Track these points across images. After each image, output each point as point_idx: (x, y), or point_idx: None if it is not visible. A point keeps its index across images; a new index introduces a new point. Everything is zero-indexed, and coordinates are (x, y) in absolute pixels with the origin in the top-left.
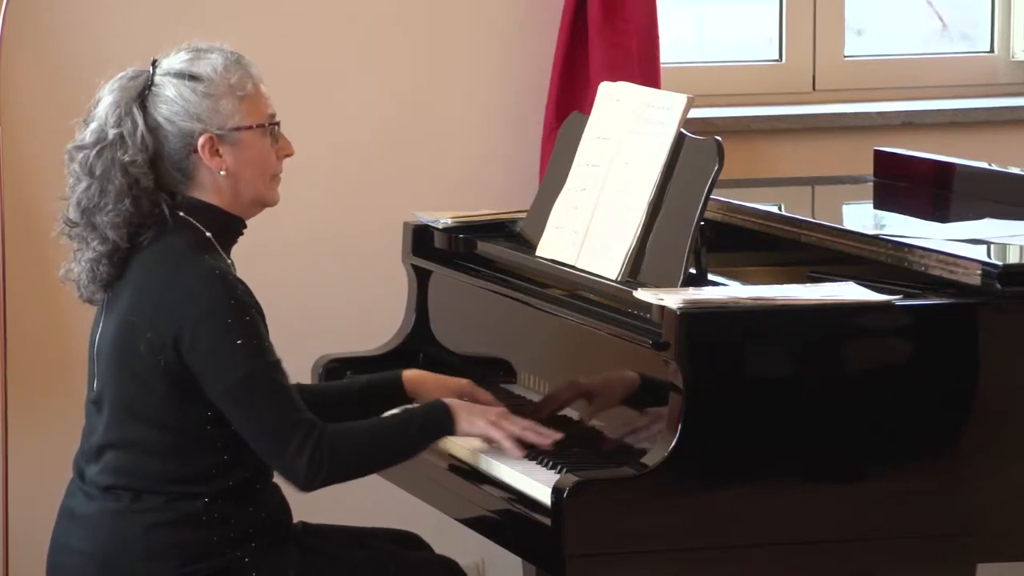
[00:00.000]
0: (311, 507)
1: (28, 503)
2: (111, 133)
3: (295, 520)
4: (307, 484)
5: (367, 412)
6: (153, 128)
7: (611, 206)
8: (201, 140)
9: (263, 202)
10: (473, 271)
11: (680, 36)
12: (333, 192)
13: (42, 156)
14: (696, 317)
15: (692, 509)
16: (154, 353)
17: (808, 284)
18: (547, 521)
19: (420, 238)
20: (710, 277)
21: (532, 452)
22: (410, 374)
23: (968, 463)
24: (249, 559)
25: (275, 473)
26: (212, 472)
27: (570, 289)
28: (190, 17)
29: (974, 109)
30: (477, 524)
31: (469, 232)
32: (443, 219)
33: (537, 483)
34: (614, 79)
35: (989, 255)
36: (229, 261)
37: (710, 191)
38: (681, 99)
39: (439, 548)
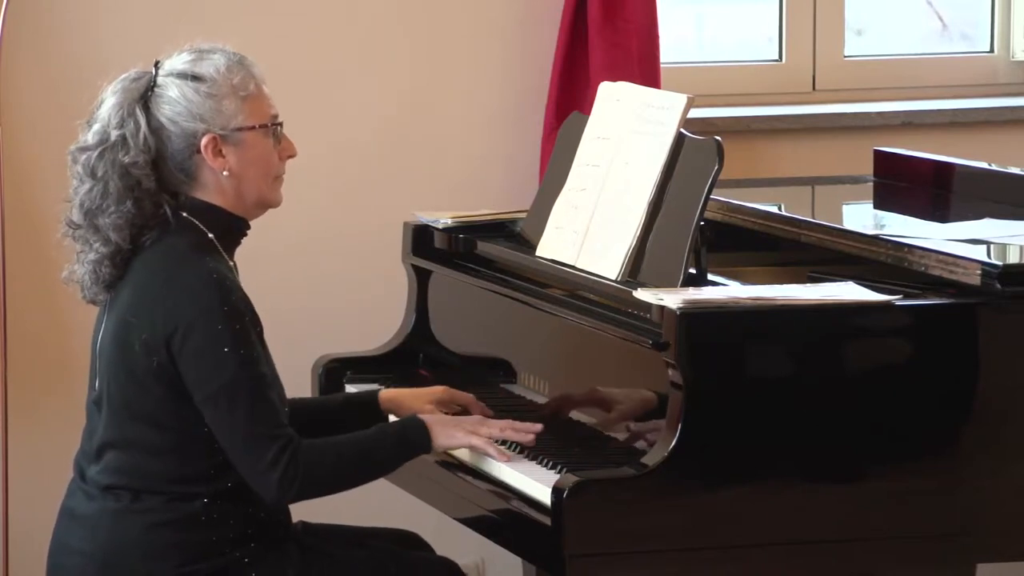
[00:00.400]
0: (311, 507)
1: (28, 503)
2: (113, 135)
3: (295, 520)
4: (278, 498)
5: (343, 428)
6: (156, 129)
7: (611, 206)
8: (204, 140)
9: (266, 203)
10: (473, 271)
11: (680, 36)
12: (333, 192)
13: (42, 156)
14: (696, 317)
15: (692, 509)
16: (149, 353)
17: (808, 284)
18: (547, 521)
19: (420, 238)
20: (710, 277)
21: (532, 452)
22: (386, 394)
23: (968, 463)
24: (248, 559)
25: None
26: (211, 473)
27: (570, 289)
28: (190, 17)
29: (974, 109)
30: (477, 524)
31: (469, 232)
32: (443, 219)
33: (537, 483)
34: (614, 79)
35: (989, 255)
36: (232, 263)
37: (710, 191)
38: (681, 99)
39: (439, 548)
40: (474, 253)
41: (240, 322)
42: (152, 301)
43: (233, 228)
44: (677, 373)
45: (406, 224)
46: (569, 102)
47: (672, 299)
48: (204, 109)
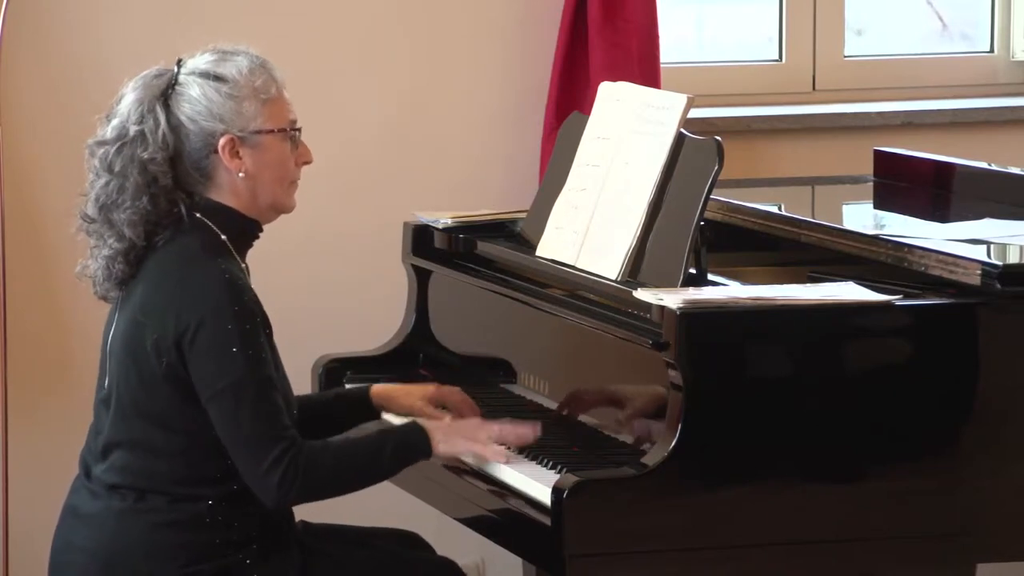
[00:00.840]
0: (313, 506)
1: (28, 503)
2: (132, 130)
3: (297, 519)
4: (277, 501)
5: (334, 423)
6: (175, 127)
7: (611, 206)
8: (222, 141)
9: (279, 207)
10: (473, 271)
11: (680, 36)
12: (333, 192)
13: (42, 156)
14: (696, 317)
15: (692, 509)
16: (159, 354)
17: (808, 284)
18: (547, 521)
19: (420, 238)
20: (710, 277)
21: (532, 452)
22: (378, 389)
23: (968, 463)
24: (250, 561)
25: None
26: (217, 476)
27: (570, 289)
28: (190, 17)
29: (974, 109)
30: (477, 524)
31: (469, 232)
32: (443, 219)
33: (537, 483)
34: (614, 79)
35: (989, 255)
36: (244, 265)
37: (710, 191)
38: (681, 99)
39: (439, 548)
40: (474, 253)
41: (250, 323)
42: (164, 301)
43: (246, 230)
44: (677, 373)
45: (406, 224)
46: (569, 102)
47: (672, 299)
48: (224, 110)
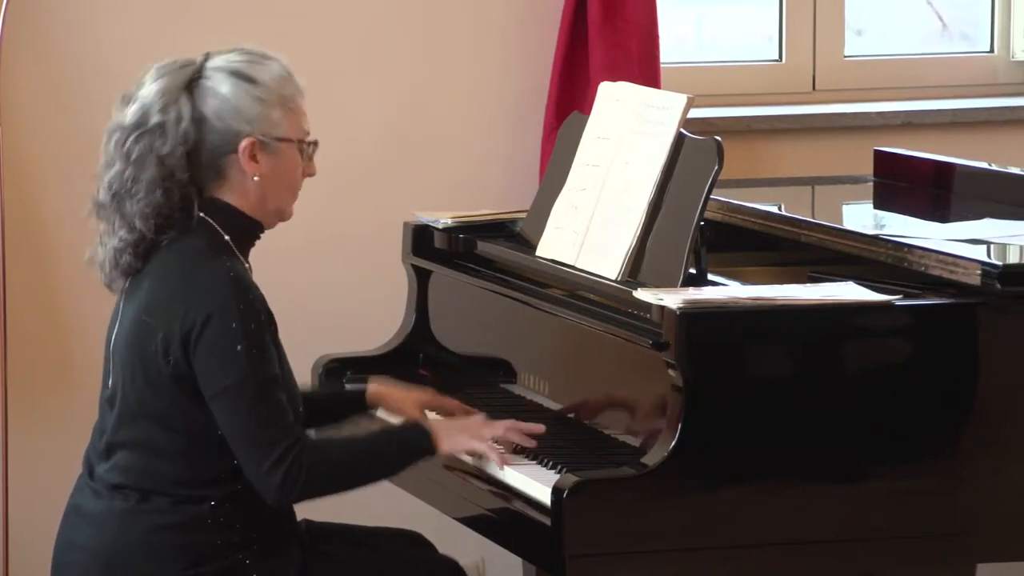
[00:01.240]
0: (313, 506)
1: (28, 503)
2: (154, 119)
3: (300, 519)
4: (279, 498)
5: (328, 418)
6: (198, 120)
7: (611, 206)
8: (245, 143)
9: (281, 214)
10: (473, 271)
11: (680, 36)
12: (333, 192)
13: (42, 156)
14: (696, 317)
15: (692, 509)
16: (165, 353)
17: (808, 284)
18: (547, 521)
19: (420, 238)
20: (710, 277)
21: (532, 452)
22: (373, 388)
23: (968, 463)
24: (251, 561)
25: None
26: (220, 476)
27: (570, 289)
28: (190, 17)
29: (974, 109)
30: (477, 524)
31: (469, 232)
32: (443, 219)
33: (537, 483)
34: (614, 79)
35: (989, 255)
36: (247, 264)
37: (710, 191)
38: (681, 99)
39: (439, 548)
40: (474, 253)
41: (255, 321)
42: (169, 300)
43: (249, 231)
44: (677, 373)
45: (406, 224)
46: (569, 102)
47: (672, 299)
48: (253, 113)
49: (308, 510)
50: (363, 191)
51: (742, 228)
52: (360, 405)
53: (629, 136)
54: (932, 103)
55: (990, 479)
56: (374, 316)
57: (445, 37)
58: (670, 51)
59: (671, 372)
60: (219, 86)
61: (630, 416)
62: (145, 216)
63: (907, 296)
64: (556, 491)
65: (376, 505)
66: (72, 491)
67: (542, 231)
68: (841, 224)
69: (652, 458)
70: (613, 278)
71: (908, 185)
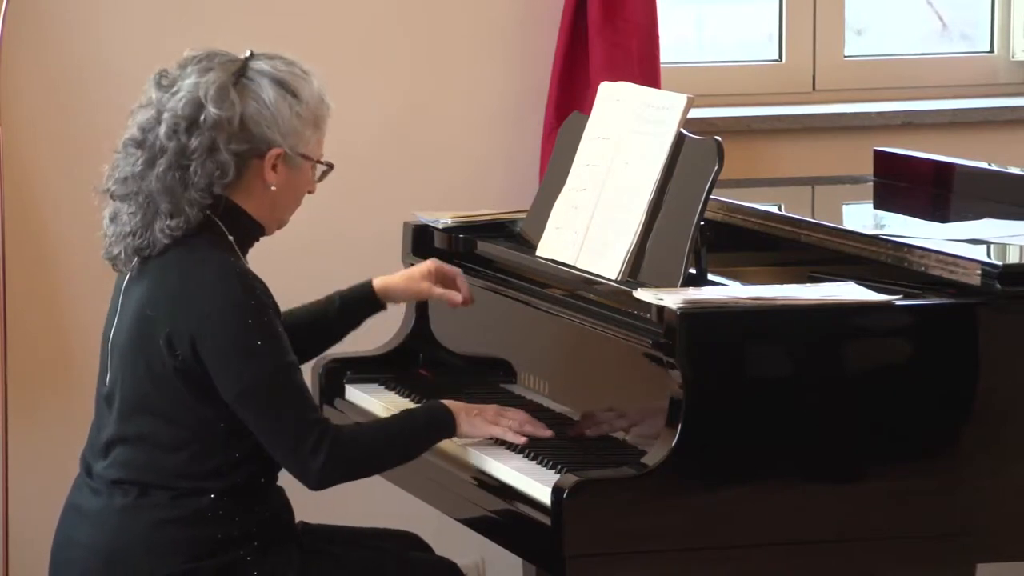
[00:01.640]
0: (312, 507)
1: (28, 502)
2: (211, 112)
3: (296, 520)
4: (320, 484)
5: (346, 329)
6: (242, 117)
7: (611, 206)
8: (273, 152)
9: (281, 224)
10: (473, 271)
11: (680, 36)
12: (333, 192)
13: (42, 156)
14: (696, 317)
15: (692, 509)
16: (172, 349)
17: (808, 284)
18: (547, 521)
19: (420, 238)
20: (710, 277)
21: (532, 452)
22: (379, 283)
23: (968, 463)
24: (251, 557)
25: (280, 474)
26: (221, 469)
27: (570, 289)
28: (190, 17)
29: (974, 109)
30: (477, 524)
31: (469, 232)
32: (443, 219)
33: (537, 483)
34: (614, 79)
35: (989, 255)
36: (246, 262)
37: (710, 191)
38: (681, 99)
39: (439, 548)
40: (474, 253)
41: (267, 314)
42: (174, 295)
43: (252, 234)
44: (677, 373)
45: (406, 224)
46: (569, 102)
47: (672, 299)
48: (289, 127)
49: (305, 511)
50: (363, 191)
51: (742, 228)
52: (375, 305)
53: (629, 136)
54: (932, 103)
55: (990, 479)
56: (374, 316)
57: (445, 37)
58: (670, 51)
59: (671, 372)
60: (263, 91)
61: (630, 416)
62: (192, 202)
63: (907, 296)
64: (556, 491)
65: (376, 505)
66: (70, 491)
67: (542, 231)
68: (841, 224)
69: (652, 458)
70: (613, 278)
71: (908, 185)
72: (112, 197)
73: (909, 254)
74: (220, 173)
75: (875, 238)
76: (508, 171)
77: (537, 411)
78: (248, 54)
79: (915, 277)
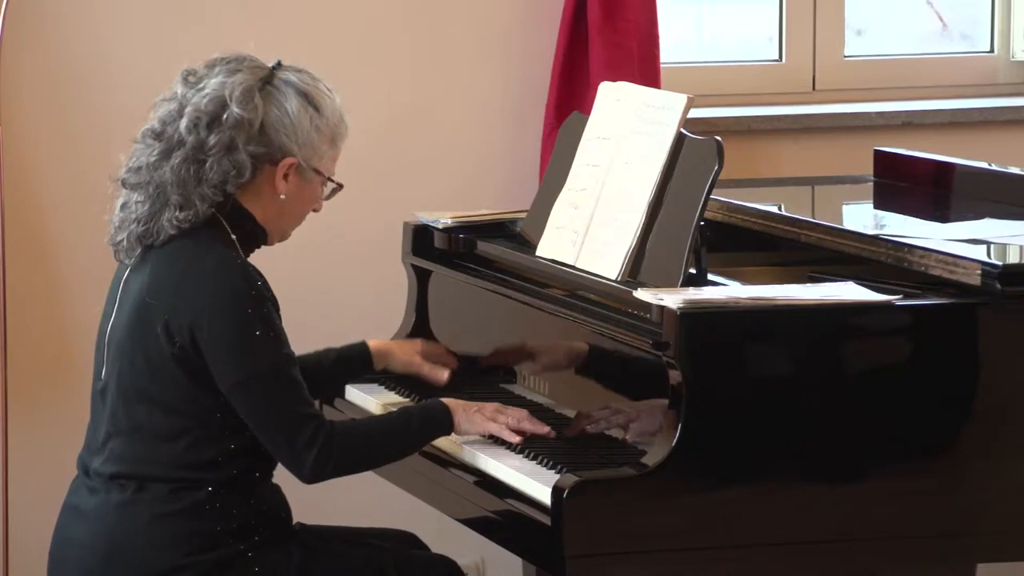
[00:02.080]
0: (311, 506)
1: (28, 502)
2: (235, 112)
3: (295, 521)
4: (314, 477)
5: (337, 383)
6: (263, 122)
7: (611, 206)
8: (287, 161)
9: (283, 236)
10: (473, 271)
11: (680, 36)
12: None
13: (42, 156)
14: (696, 317)
15: (692, 509)
16: (170, 337)
17: (808, 284)
18: (547, 521)
19: (420, 238)
20: (710, 277)
21: (532, 452)
22: (375, 345)
23: (968, 463)
24: (252, 553)
25: (277, 472)
26: (218, 460)
27: (570, 289)
28: (190, 17)
29: (974, 109)
30: (477, 524)
31: (469, 232)
32: (443, 219)
33: (537, 483)
34: (614, 79)
35: (989, 255)
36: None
37: (710, 191)
38: (681, 99)
39: (439, 548)
40: (474, 253)
41: (266, 306)
42: (174, 284)
43: (255, 238)
44: (677, 373)
45: (406, 224)
46: (569, 102)
47: (672, 299)
48: (306, 139)
49: (304, 511)
50: (363, 191)
51: (742, 228)
52: (369, 367)
53: (629, 136)
54: (932, 103)
55: (990, 479)
56: (374, 316)
57: (445, 37)
58: (670, 51)
59: (671, 372)
60: (287, 100)
61: (630, 416)
62: (203, 196)
63: (907, 296)
64: (556, 491)
65: (375, 505)
66: (68, 492)
67: (542, 231)
68: (841, 224)
69: (652, 458)
70: (613, 278)
71: (908, 185)
72: (124, 185)
73: (909, 254)
74: (236, 172)
75: (875, 238)
76: (508, 171)
77: (537, 411)
78: (276, 63)
79: (915, 277)
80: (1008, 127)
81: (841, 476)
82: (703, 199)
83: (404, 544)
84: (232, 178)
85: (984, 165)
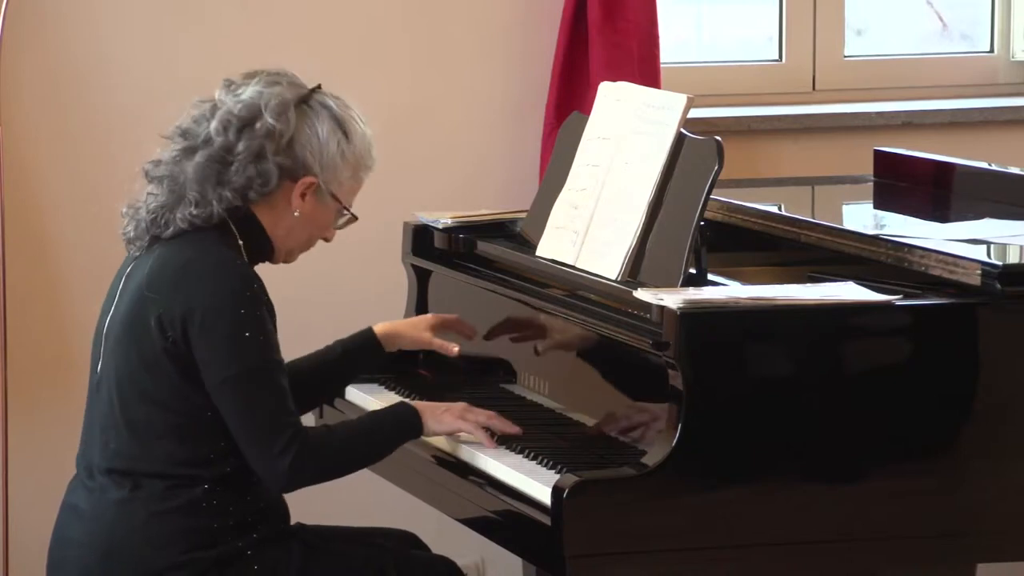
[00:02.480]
0: (311, 506)
1: (28, 502)
2: (268, 120)
3: (292, 522)
4: (287, 485)
5: (349, 376)
6: (290, 138)
7: (611, 206)
8: (307, 179)
9: (290, 257)
10: (473, 271)
11: (680, 36)
12: None
13: (42, 156)
14: (696, 317)
15: (692, 509)
16: (163, 330)
17: (808, 284)
18: (547, 521)
19: (420, 238)
20: (710, 277)
21: (532, 452)
22: (382, 329)
23: (968, 463)
24: (251, 551)
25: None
26: (212, 457)
27: (570, 289)
28: (190, 17)
29: (974, 109)
30: (477, 524)
31: (469, 232)
32: (443, 219)
33: (537, 483)
34: (614, 79)
35: (989, 255)
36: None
37: (710, 191)
38: (681, 99)
39: (439, 548)
40: (474, 253)
41: (260, 308)
42: (172, 278)
43: (263, 249)
44: (677, 373)
45: (406, 224)
46: (569, 102)
47: (672, 299)
48: (330, 163)
49: (303, 512)
50: (363, 191)
51: (742, 228)
52: (378, 351)
53: (629, 136)
54: (932, 103)
55: (990, 479)
56: (374, 316)
57: (445, 37)
58: (670, 51)
59: (671, 372)
60: (319, 121)
61: (630, 416)
62: (221, 198)
63: (907, 296)
64: (556, 491)
65: (375, 505)
66: (66, 491)
67: (542, 231)
68: (841, 224)
69: (652, 458)
70: (613, 278)
71: (908, 185)
72: (146, 177)
73: (909, 254)
74: (262, 181)
75: (875, 238)
76: (508, 171)
77: (538, 411)
78: (316, 86)
79: (915, 277)
80: (1008, 127)
81: (841, 476)
82: (703, 199)
83: (404, 544)
84: (257, 186)
85: (984, 165)
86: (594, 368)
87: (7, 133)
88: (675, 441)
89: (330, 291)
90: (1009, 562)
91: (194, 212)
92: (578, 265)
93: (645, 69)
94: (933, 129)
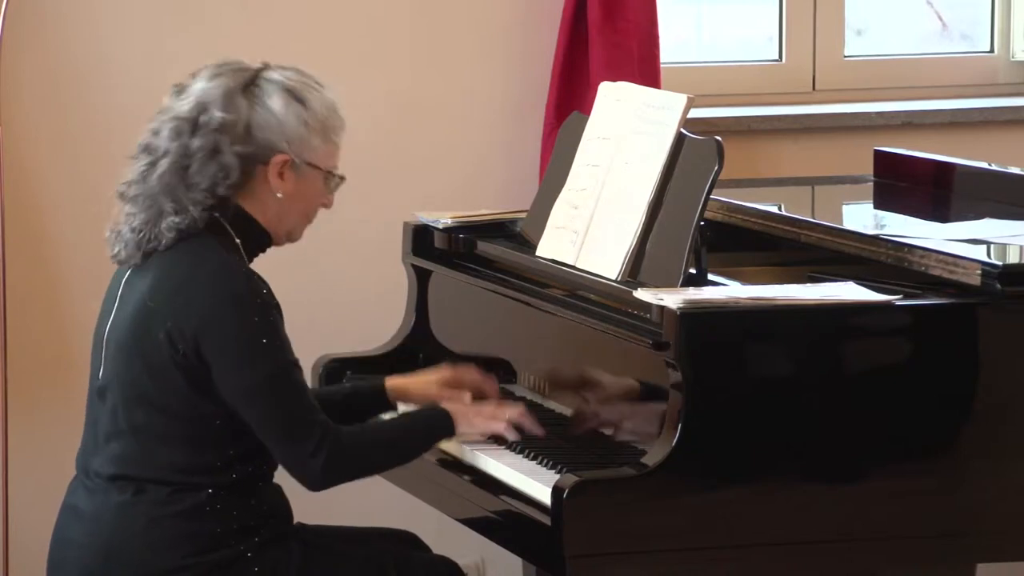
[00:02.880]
0: (310, 507)
1: (28, 502)
2: (216, 116)
3: (295, 521)
4: (321, 484)
5: (350, 418)
6: (247, 124)
7: (611, 206)
8: (278, 158)
9: (292, 236)
10: (473, 271)
11: (680, 36)
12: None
13: (42, 156)
14: (696, 317)
15: (692, 509)
16: (173, 343)
17: (808, 284)
18: (547, 521)
19: (420, 238)
20: (710, 277)
21: (532, 452)
22: (393, 383)
23: (968, 463)
24: (252, 554)
25: (277, 473)
26: (217, 465)
27: (570, 289)
28: (190, 17)
29: (974, 109)
30: (477, 524)
31: (469, 232)
32: (443, 219)
33: (537, 483)
34: (614, 79)
35: (989, 255)
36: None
37: (710, 191)
38: (681, 99)
39: (439, 548)
40: (474, 253)
41: (271, 313)
42: (177, 290)
43: (260, 242)
44: (677, 373)
45: (406, 224)
46: (569, 102)
47: (672, 299)
48: (295, 134)
49: (304, 512)
50: (363, 191)
51: (742, 228)
52: (384, 403)
53: (629, 136)
54: (932, 103)
55: (990, 479)
56: (374, 316)
57: (446, 37)
58: (670, 51)
59: (671, 372)
60: (270, 98)
61: (630, 416)
62: (195, 201)
63: (907, 296)
64: (556, 491)
65: (375, 505)
66: (66, 492)
67: (542, 231)
68: (841, 224)
69: (652, 458)
70: (613, 278)
71: (908, 185)
72: (121, 199)
73: (909, 254)
74: (224, 175)
75: (875, 238)
76: (508, 171)
77: (537, 411)
78: (261, 64)
79: (915, 277)
80: (1008, 127)
81: (841, 476)
82: (703, 199)
83: (404, 544)
84: (221, 180)
85: (984, 165)
86: (594, 368)
87: (7, 133)
88: (675, 441)
89: (330, 291)
90: (1009, 562)
91: (176, 221)
92: (578, 265)
93: (645, 69)
94: (933, 129)
